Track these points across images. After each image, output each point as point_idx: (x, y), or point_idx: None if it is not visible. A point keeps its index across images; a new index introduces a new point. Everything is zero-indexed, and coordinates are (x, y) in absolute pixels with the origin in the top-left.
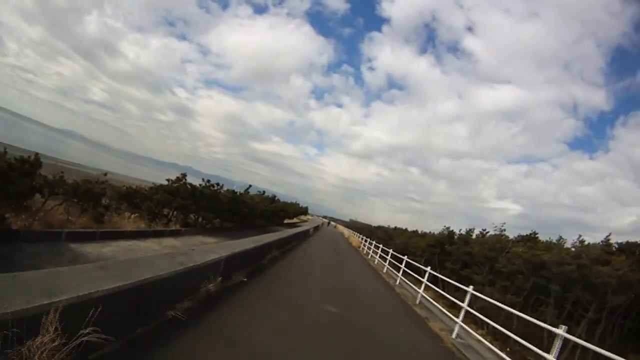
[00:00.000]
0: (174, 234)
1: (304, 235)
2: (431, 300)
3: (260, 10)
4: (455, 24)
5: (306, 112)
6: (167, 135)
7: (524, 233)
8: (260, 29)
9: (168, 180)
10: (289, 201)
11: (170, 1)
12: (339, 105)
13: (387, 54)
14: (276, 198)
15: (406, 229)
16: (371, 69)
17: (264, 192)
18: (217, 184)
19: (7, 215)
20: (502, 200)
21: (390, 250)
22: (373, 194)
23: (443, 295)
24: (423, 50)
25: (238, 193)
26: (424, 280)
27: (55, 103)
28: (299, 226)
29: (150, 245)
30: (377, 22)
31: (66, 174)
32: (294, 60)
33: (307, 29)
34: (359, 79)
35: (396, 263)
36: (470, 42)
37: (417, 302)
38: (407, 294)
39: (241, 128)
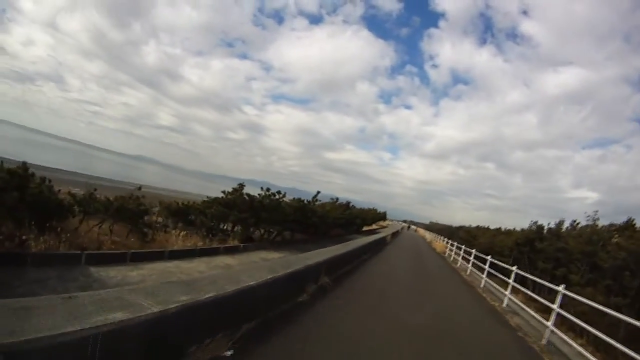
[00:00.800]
0: (230, 250)
1: (379, 244)
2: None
3: (315, 20)
4: (509, 9)
5: (376, 117)
6: (240, 153)
7: (604, 222)
8: (319, 39)
9: (224, 192)
10: (367, 208)
11: (225, 22)
12: (408, 107)
13: (447, 49)
14: (350, 205)
15: (488, 228)
16: (434, 66)
17: (337, 199)
18: (279, 192)
19: (24, 237)
20: (579, 188)
21: (488, 258)
22: (450, 194)
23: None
24: (482, 41)
25: (305, 201)
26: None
27: (124, 131)
28: (378, 233)
29: (194, 266)
30: (432, 18)
31: (146, 197)
32: (357, 66)
33: (365, 33)
34: (424, 78)
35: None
36: (527, 26)
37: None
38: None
39: (314, 139)
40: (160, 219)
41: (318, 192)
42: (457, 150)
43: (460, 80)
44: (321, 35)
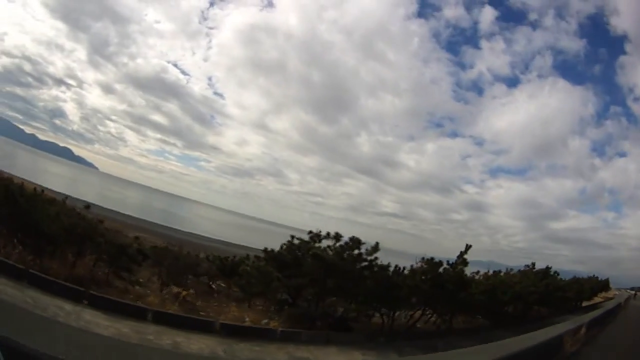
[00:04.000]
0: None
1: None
2: None
3: (512, 83)
4: None
5: (593, 173)
6: (465, 234)
7: None
8: (521, 102)
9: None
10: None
11: (428, 104)
12: (622, 155)
13: None
14: (553, 271)
15: None
16: (636, 99)
17: (551, 269)
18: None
19: None
20: None
21: None
22: None
23: None
24: None
25: (445, 267)
26: None
27: (347, 219)
28: (599, 308)
29: None
30: (617, 44)
31: None
32: (564, 120)
33: (562, 83)
34: (630, 116)
35: None
36: None
37: None
38: None
39: (535, 210)
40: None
41: (468, 248)
42: None
43: None
44: (522, 97)
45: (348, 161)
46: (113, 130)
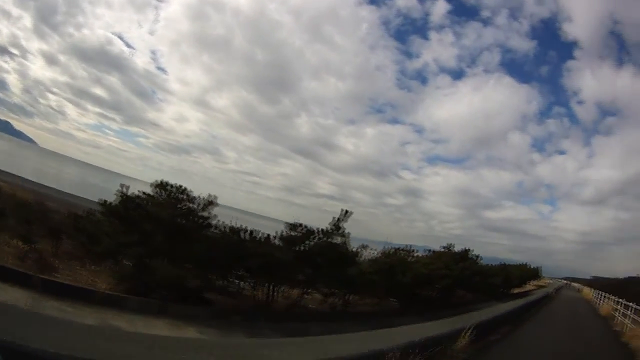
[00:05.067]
0: None
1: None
2: None
3: (457, 75)
4: (636, 18)
5: (532, 168)
6: (400, 219)
7: None
8: (464, 94)
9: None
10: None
11: (371, 89)
12: (562, 152)
13: (588, 80)
14: (476, 256)
15: None
16: (580, 102)
17: (471, 252)
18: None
19: None
20: None
21: None
22: (612, 243)
23: None
24: (619, 62)
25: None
26: None
27: (284, 200)
28: (530, 295)
29: None
30: (567, 49)
31: None
32: (506, 116)
33: (507, 80)
34: (572, 117)
35: None
36: None
37: None
38: None
39: (472, 199)
40: None
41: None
42: (615, 191)
43: (607, 112)
44: (466, 89)
45: (287, 142)
46: (54, 104)
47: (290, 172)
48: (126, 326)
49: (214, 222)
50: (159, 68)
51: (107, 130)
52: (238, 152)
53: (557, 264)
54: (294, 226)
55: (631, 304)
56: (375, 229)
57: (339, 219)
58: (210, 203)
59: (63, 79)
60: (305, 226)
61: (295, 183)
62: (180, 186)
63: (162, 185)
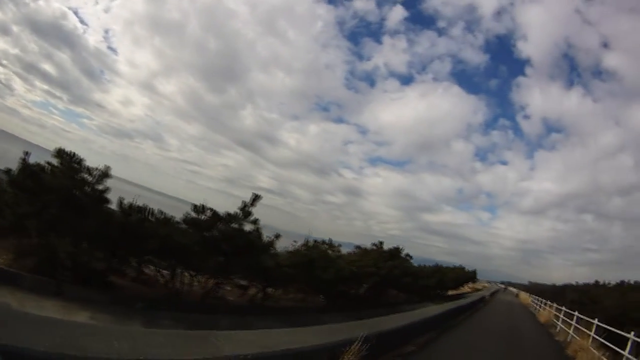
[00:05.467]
0: None
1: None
2: None
3: (406, 80)
4: (590, 45)
5: (473, 176)
6: (339, 216)
7: None
8: (411, 100)
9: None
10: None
11: (319, 87)
12: (504, 163)
13: (537, 97)
14: (407, 255)
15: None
16: (526, 117)
17: (402, 251)
18: None
19: None
20: None
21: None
22: (548, 251)
23: None
24: (570, 83)
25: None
26: None
27: (224, 191)
28: (463, 298)
29: None
30: (518, 66)
31: None
32: (451, 124)
33: (456, 89)
34: (517, 130)
35: None
36: (610, 59)
37: None
38: None
39: (412, 202)
40: None
41: (255, 198)
42: (554, 204)
43: (553, 129)
44: (413, 95)
45: (230, 133)
46: (2, 76)
47: (231, 164)
48: (14, 305)
49: (116, 198)
50: (110, 48)
51: (53, 109)
52: (181, 140)
53: (494, 268)
54: (199, 209)
55: (574, 312)
56: (316, 225)
57: (246, 204)
58: (105, 175)
59: (14, 51)
60: (212, 209)
61: (236, 175)
62: (74, 154)
63: (58, 154)
